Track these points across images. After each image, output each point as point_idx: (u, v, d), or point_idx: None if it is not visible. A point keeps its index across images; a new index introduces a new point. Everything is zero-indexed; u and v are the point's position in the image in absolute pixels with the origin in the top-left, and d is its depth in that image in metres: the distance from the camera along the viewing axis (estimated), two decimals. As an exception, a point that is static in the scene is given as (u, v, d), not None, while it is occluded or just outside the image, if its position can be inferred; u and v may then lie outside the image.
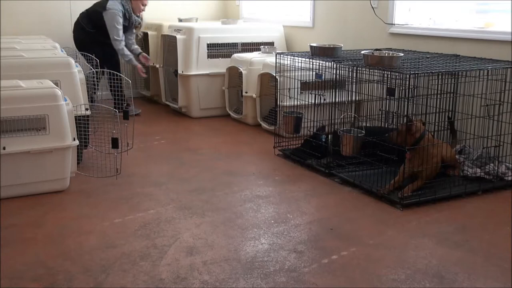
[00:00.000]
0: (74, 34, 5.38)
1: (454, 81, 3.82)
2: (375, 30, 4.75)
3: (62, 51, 4.44)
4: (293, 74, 4.31)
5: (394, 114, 3.51)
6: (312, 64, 4.01)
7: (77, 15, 5.38)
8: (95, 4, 5.32)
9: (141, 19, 5.52)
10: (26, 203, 3.16)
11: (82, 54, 5.09)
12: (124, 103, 4.98)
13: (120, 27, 5.19)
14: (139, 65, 5.43)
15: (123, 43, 5.27)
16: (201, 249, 2.61)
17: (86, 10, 5.32)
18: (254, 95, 4.94)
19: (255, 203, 3.22)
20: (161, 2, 5.58)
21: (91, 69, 4.63)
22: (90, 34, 5.21)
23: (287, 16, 6.14)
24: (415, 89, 3.50)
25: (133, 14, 5.31)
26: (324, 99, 3.94)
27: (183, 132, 4.98)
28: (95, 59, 4.56)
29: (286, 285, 2.29)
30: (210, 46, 5.39)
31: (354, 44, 4.89)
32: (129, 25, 5.36)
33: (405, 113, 3.21)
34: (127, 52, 5.31)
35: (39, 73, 3.58)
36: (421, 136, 3.27)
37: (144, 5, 5.39)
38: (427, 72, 3.32)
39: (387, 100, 3.64)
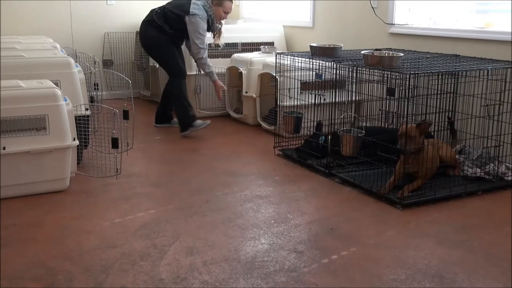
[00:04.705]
0: (146, 32, 4.88)
1: (454, 81, 3.82)
2: (375, 30, 4.75)
3: (62, 51, 4.45)
4: (293, 74, 4.31)
5: (394, 114, 3.51)
6: (312, 64, 4.01)
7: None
8: (171, 5, 4.86)
9: (221, 25, 4.98)
10: (26, 203, 3.16)
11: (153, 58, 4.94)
12: (190, 113, 4.77)
13: (205, 34, 4.79)
14: (220, 83, 4.88)
15: (207, 52, 4.86)
16: (201, 249, 2.61)
17: (162, 9, 4.84)
18: (254, 95, 4.94)
19: (255, 203, 3.22)
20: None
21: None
22: (168, 33, 4.80)
23: (287, 16, 6.14)
24: (415, 89, 3.50)
25: (214, 21, 4.88)
26: (324, 99, 3.94)
27: (183, 132, 4.98)
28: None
29: (286, 285, 2.29)
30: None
31: (354, 44, 4.89)
32: (209, 31, 4.95)
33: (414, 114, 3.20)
34: (209, 63, 4.87)
35: (39, 73, 3.58)
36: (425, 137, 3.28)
37: (226, 12, 4.91)
38: (427, 72, 3.32)
39: (387, 100, 3.64)
